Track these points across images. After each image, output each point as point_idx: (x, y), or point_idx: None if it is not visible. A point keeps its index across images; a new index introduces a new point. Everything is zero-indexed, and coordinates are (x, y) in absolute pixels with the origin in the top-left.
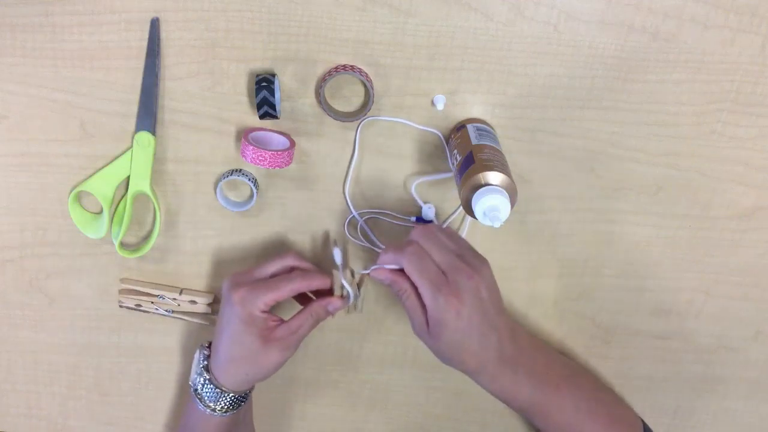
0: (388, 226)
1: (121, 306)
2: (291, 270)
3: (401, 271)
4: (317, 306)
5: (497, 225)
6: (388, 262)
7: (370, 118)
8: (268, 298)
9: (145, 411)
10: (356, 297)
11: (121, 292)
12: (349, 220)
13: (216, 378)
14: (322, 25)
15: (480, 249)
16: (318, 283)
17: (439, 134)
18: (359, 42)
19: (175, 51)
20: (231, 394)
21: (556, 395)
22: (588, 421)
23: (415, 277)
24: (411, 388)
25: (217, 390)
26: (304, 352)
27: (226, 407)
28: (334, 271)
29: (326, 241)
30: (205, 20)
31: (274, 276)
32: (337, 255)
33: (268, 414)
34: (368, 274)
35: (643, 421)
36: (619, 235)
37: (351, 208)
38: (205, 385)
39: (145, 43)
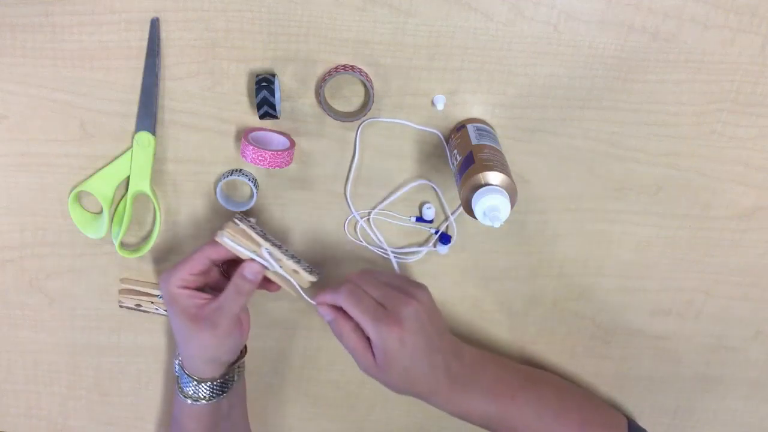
0: (388, 226)
1: (121, 306)
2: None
3: (342, 311)
4: (236, 275)
5: (497, 225)
6: (327, 302)
7: (370, 120)
8: (180, 272)
9: (145, 411)
10: (261, 254)
11: (121, 292)
12: (349, 220)
13: (183, 365)
14: (322, 25)
15: (480, 249)
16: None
17: (439, 134)
18: (359, 42)
19: (175, 51)
20: (198, 381)
21: (512, 406)
22: (556, 427)
23: (354, 313)
24: None
25: (188, 377)
26: (304, 352)
27: (199, 395)
28: (217, 233)
29: (325, 241)
30: (205, 20)
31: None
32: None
33: (267, 414)
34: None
35: (630, 419)
36: (619, 235)
37: (351, 207)
38: (179, 371)
39: (145, 43)
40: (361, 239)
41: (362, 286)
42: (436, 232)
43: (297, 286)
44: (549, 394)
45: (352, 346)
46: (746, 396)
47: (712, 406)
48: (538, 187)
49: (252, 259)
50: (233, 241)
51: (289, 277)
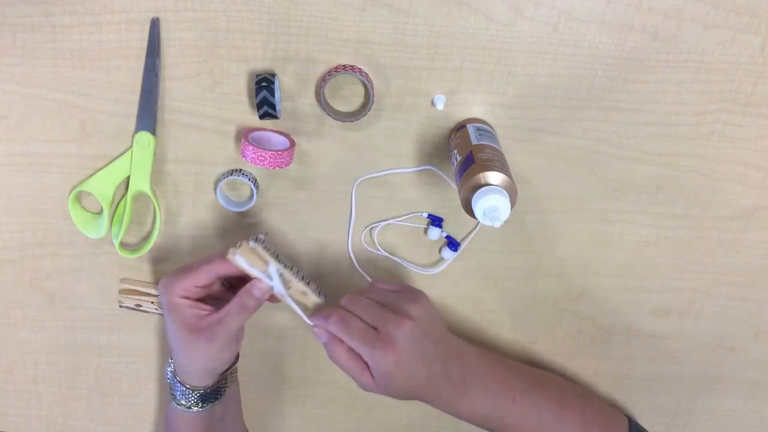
0: (395, 229)
1: (121, 306)
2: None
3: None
4: (242, 291)
5: (497, 225)
6: (321, 335)
7: (365, 177)
8: (185, 281)
9: (145, 411)
10: (269, 275)
11: (121, 292)
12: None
13: (176, 372)
14: (322, 25)
15: (481, 249)
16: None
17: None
18: (359, 42)
19: (175, 51)
20: (190, 390)
21: (513, 408)
22: (557, 428)
23: (346, 341)
24: None
25: (180, 385)
26: (304, 353)
27: (193, 403)
28: (230, 249)
29: (325, 241)
30: (205, 20)
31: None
32: (252, 242)
33: (267, 414)
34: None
35: (632, 419)
36: (619, 235)
37: (353, 208)
38: (172, 379)
39: (145, 43)
40: (367, 245)
41: (354, 311)
42: (448, 238)
43: (300, 313)
44: (550, 395)
45: (348, 369)
46: (746, 396)
47: (712, 406)
48: (538, 187)
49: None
50: (245, 262)
51: (293, 304)
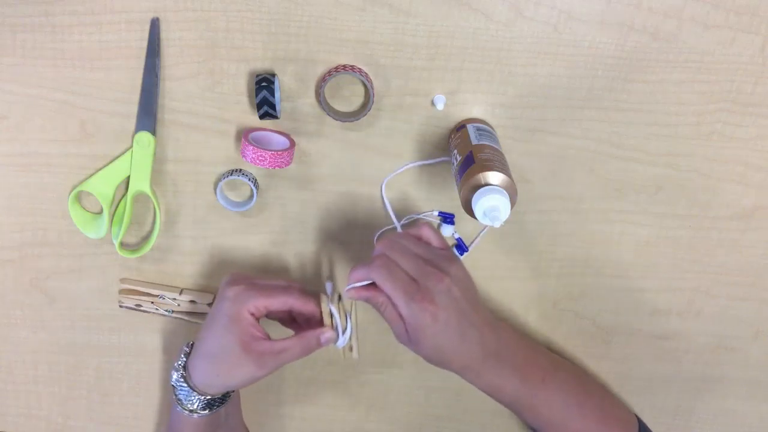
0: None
1: (121, 306)
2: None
3: (374, 284)
4: (310, 334)
5: (497, 225)
6: (359, 279)
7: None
8: (260, 301)
9: (145, 411)
10: (345, 330)
11: (121, 292)
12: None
13: (190, 376)
14: (322, 25)
15: (480, 249)
16: (312, 307)
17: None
18: (359, 42)
19: (175, 51)
20: (201, 395)
21: (542, 389)
22: (578, 417)
23: (387, 289)
24: (411, 388)
25: (189, 389)
26: None
27: (198, 408)
28: (322, 295)
29: (325, 242)
30: (205, 20)
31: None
32: (329, 287)
33: (267, 414)
34: (344, 294)
35: (638, 418)
36: (619, 235)
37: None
38: (179, 382)
39: (145, 43)
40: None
41: (395, 259)
42: (458, 240)
43: (354, 351)
44: (574, 383)
45: (389, 317)
46: (746, 396)
47: (712, 406)
48: (538, 187)
49: (331, 329)
50: (336, 313)
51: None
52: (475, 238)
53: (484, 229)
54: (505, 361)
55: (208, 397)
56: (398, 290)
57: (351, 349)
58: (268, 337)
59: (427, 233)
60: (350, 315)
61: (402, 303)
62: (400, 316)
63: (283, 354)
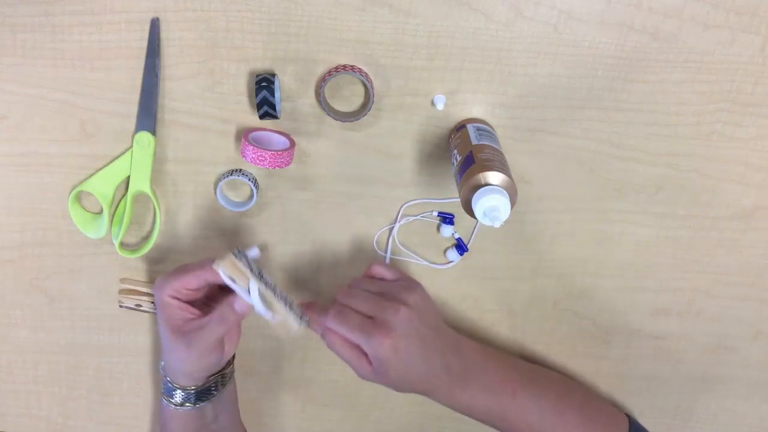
0: (405, 228)
1: (121, 306)
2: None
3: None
4: (224, 303)
5: (497, 225)
6: (320, 333)
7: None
8: (175, 282)
9: (145, 411)
10: (251, 293)
11: (121, 292)
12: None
13: (165, 368)
14: (322, 25)
15: (480, 249)
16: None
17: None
18: (359, 42)
19: (175, 51)
20: (179, 388)
21: (513, 403)
22: (558, 425)
23: (345, 334)
24: None
25: (168, 380)
26: (304, 353)
27: (177, 400)
28: (216, 260)
29: (325, 241)
30: (205, 20)
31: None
32: (236, 252)
33: (267, 414)
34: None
35: (632, 418)
36: (619, 235)
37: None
38: (163, 375)
39: (145, 43)
40: (378, 250)
41: (349, 304)
42: (458, 240)
43: (290, 323)
44: (550, 393)
45: (347, 357)
46: (746, 396)
47: (712, 406)
48: (538, 187)
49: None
50: (227, 275)
51: (267, 316)
52: (470, 237)
53: (476, 224)
54: (473, 381)
55: (189, 390)
56: (354, 331)
57: (287, 329)
58: (198, 316)
59: (377, 270)
60: (258, 276)
61: (362, 341)
62: (360, 351)
63: (204, 330)
